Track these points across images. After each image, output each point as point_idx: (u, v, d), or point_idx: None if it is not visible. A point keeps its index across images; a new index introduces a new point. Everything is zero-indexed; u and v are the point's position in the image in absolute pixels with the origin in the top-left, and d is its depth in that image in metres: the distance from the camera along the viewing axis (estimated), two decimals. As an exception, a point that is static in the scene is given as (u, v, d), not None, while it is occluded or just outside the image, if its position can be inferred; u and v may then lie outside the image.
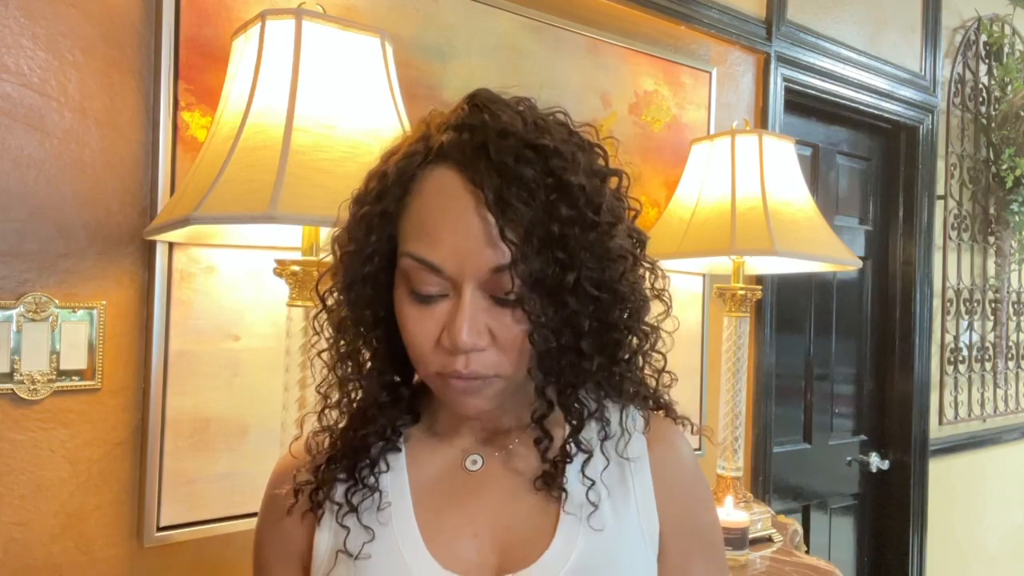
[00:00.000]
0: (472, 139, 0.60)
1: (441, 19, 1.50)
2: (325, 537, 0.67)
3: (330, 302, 0.68)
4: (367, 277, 0.64)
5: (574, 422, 0.65)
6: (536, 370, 0.62)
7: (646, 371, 0.70)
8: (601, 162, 0.64)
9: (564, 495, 0.65)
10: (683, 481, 0.71)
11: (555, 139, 0.60)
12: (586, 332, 0.61)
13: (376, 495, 0.67)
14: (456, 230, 0.59)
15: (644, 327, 0.66)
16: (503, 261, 0.58)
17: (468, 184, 0.59)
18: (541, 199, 0.58)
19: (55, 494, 1.12)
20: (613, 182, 0.64)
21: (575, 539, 0.64)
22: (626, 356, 0.66)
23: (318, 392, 0.70)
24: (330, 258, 0.68)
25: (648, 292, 0.66)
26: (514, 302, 0.59)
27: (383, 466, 0.68)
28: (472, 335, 0.58)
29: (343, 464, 0.67)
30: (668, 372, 0.71)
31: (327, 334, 0.68)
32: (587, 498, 0.65)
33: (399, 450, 0.69)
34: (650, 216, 1.83)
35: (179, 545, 1.21)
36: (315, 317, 0.69)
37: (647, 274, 0.67)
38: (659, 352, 0.69)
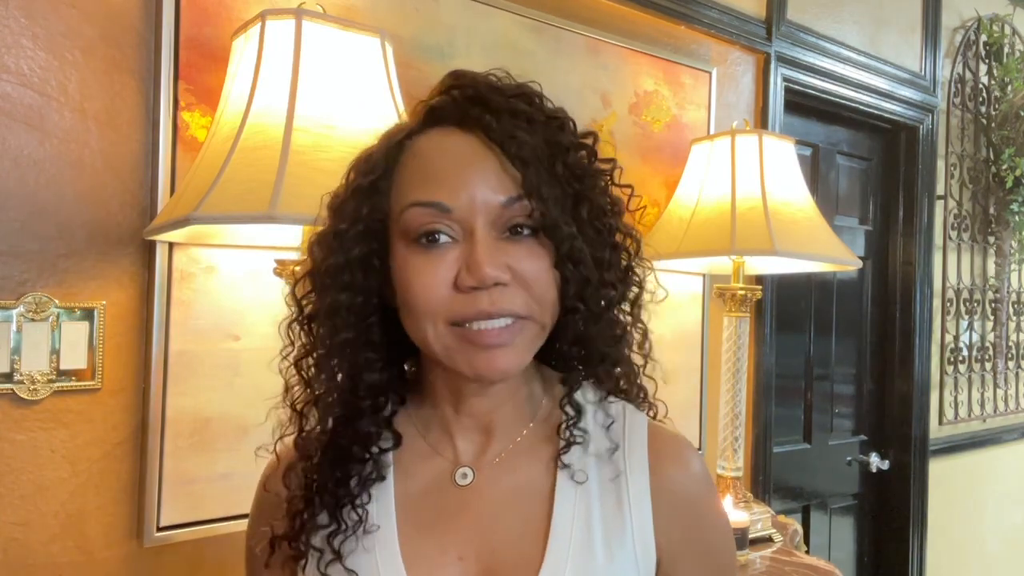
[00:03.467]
0: (462, 94, 0.61)
1: (441, 19, 1.50)
2: None
3: (307, 310, 0.64)
4: (362, 259, 0.61)
5: (568, 386, 0.63)
6: (561, 306, 0.60)
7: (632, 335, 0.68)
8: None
9: (554, 511, 0.62)
10: (689, 503, 0.66)
11: (536, 91, 0.63)
12: (605, 262, 0.61)
13: (361, 525, 0.62)
14: (461, 170, 0.58)
15: (632, 279, 0.65)
16: (514, 192, 0.57)
17: (465, 131, 0.59)
18: (541, 130, 0.59)
19: (55, 494, 1.12)
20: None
21: (564, 567, 0.60)
22: (618, 300, 0.64)
23: (294, 409, 0.65)
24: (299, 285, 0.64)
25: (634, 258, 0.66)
26: (528, 235, 0.58)
27: (365, 497, 0.63)
28: (494, 266, 0.55)
29: (322, 503, 0.62)
30: (647, 337, 0.69)
31: (303, 340, 0.64)
32: (574, 480, 0.63)
33: (383, 479, 0.65)
34: (650, 216, 1.83)
35: (179, 545, 1.21)
36: (289, 325, 0.64)
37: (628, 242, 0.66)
38: (641, 321, 0.67)
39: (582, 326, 0.61)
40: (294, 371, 0.65)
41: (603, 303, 0.61)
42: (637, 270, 0.65)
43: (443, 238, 0.58)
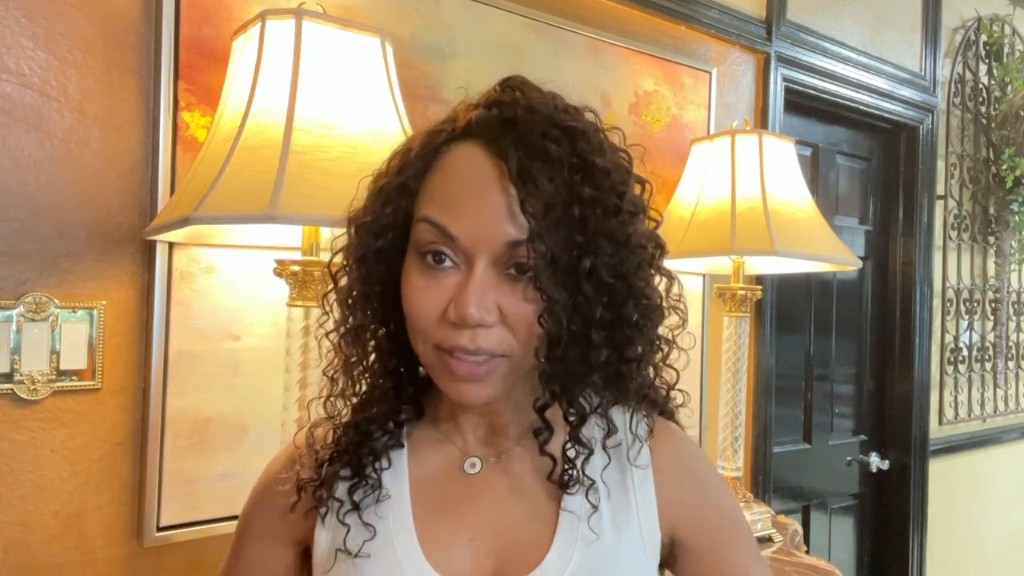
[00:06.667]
0: (500, 114, 0.60)
1: (441, 19, 1.50)
2: (326, 535, 0.67)
3: (342, 283, 0.67)
4: (380, 252, 0.63)
5: (573, 419, 0.63)
6: (543, 356, 0.59)
7: (656, 383, 0.69)
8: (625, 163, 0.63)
9: (563, 498, 0.64)
10: (691, 479, 0.70)
11: (584, 124, 0.61)
12: (597, 321, 0.59)
13: (378, 490, 0.66)
14: (476, 200, 0.58)
15: (656, 334, 0.64)
16: (520, 235, 0.56)
17: (492, 156, 0.58)
18: (564, 177, 0.57)
19: (55, 494, 1.12)
20: (636, 189, 0.63)
21: (572, 548, 0.62)
22: (634, 357, 0.63)
23: (325, 375, 0.68)
24: (336, 256, 0.67)
25: (664, 302, 0.64)
26: (527, 279, 0.57)
27: (384, 462, 0.67)
28: (480, 308, 0.56)
29: (346, 459, 0.66)
30: (682, 391, 0.70)
31: (336, 314, 0.67)
32: (587, 499, 0.64)
33: (402, 446, 0.69)
34: (650, 216, 1.83)
35: (179, 545, 1.21)
36: (325, 296, 0.69)
37: (664, 282, 0.65)
38: (671, 367, 0.67)
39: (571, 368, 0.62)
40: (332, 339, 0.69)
41: (592, 358, 0.60)
42: (653, 331, 0.64)
43: (446, 261, 0.59)
